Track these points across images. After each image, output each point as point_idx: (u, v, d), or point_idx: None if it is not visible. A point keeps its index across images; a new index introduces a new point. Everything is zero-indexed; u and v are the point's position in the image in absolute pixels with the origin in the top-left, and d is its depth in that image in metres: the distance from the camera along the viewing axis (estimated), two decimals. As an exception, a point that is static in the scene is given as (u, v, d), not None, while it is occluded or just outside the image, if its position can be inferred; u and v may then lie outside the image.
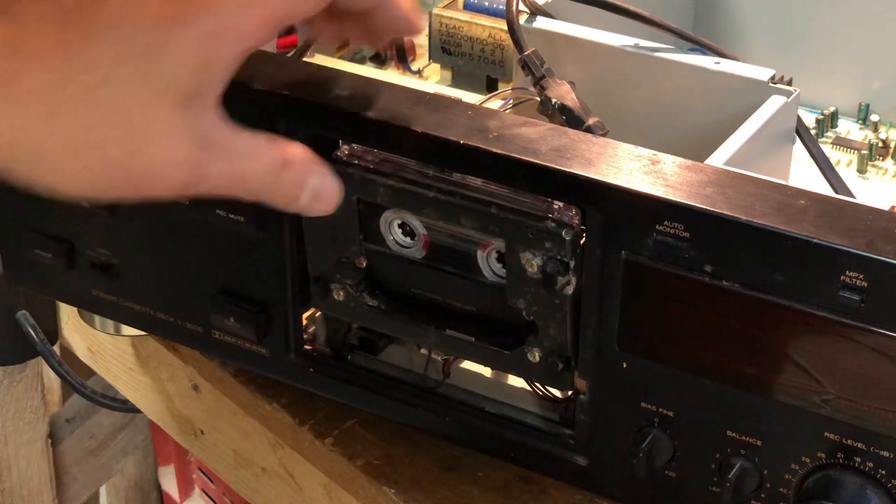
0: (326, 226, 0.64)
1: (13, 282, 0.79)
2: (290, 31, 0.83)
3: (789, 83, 0.70)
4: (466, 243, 0.62)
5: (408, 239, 0.64)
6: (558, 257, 0.59)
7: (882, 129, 0.84)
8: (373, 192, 0.62)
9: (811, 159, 0.71)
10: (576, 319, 0.60)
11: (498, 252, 0.62)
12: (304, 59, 0.79)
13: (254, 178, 0.54)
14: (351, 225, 0.63)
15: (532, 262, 0.59)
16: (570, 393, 0.64)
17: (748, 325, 0.56)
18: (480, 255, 0.62)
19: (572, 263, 0.59)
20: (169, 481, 1.40)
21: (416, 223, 0.63)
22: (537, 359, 0.62)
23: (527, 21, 0.74)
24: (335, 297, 0.66)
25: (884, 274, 0.52)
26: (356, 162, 0.62)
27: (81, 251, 0.74)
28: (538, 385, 0.66)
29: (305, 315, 0.70)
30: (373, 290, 0.65)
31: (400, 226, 0.64)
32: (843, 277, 0.53)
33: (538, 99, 0.70)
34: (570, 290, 0.59)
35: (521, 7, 0.78)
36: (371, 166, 0.62)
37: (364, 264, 0.65)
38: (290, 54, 0.80)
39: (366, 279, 0.65)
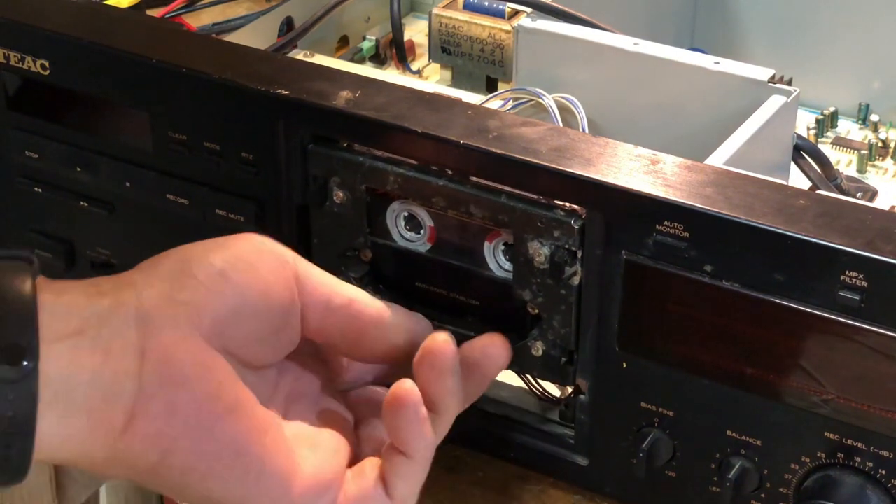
0: (334, 218, 0.64)
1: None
2: (289, 25, 0.84)
3: (789, 83, 0.70)
4: (473, 235, 0.62)
5: (412, 233, 0.64)
6: (566, 246, 0.59)
7: (882, 129, 0.84)
8: (382, 180, 0.62)
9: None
10: (580, 311, 0.60)
11: (505, 244, 0.62)
12: (304, 59, 0.79)
13: None
14: (358, 217, 0.63)
15: (540, 252, 0.59)
16: (569, 391, 0.64)
17: (748, 325, 0.56)
18: (487, 246, 0.62)
19: (580, 253, 0.59)
20: (169, 481, 1.39)
21: (423, 214, 0.63)
22: (540, 353, 0.62)
23: (528, 21, 0.74)
24: None
25: (884, 274, 0.52)
26: (366, 150, 0.62)
27: (81, 251, 0.74)
28: (536, 386, 0.66)
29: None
30: (377, 283, 0.65)
31: (406, 219, 0.64)
32: (843, 277, 0.53)
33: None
34: (576, 280, 0.59)
35: (524, 7, 0.78)
36: (381, 154, 0.62)
37: (369, 257, 0.65)
38: (277, 46, 0.80)
39: (370, 273, 0.65)
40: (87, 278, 0.53)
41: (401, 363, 0.59)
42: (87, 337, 0.50)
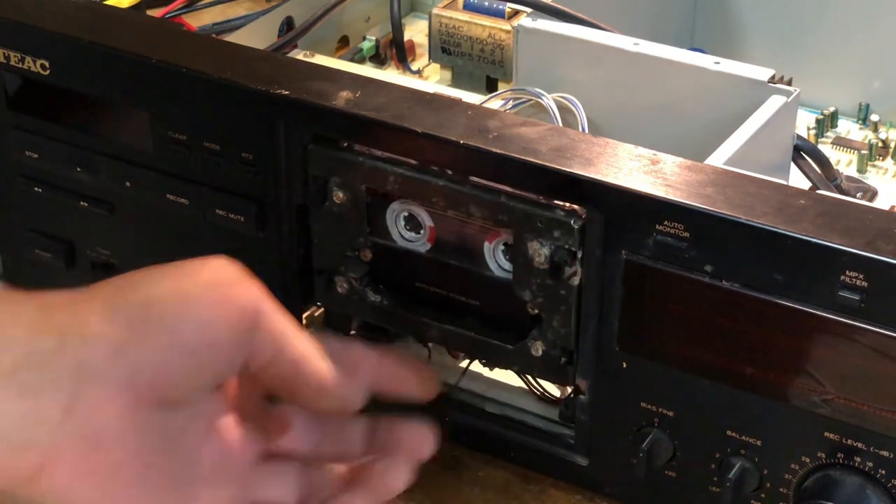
0: (334, 218, 0.64)
1: (13, 282, 0.79)
2: (289, 25, 0.84)
3: (789, 83, 0.70)
4: (473, 235, 0.62)
5: (412, 233, 0.64)
6: (566, 247, 0.59)
7: (882, 129, 0.84)
8: (383, 180, 0.62)
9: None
10: (580, 312, 0.60)
11: (505, 244, 0.62)
12: (304, 59, 0.79)
13: None
14: (359, 217, 0.64)
15: (540, 252, 0.59)
16: (569, 391, 0.64)
17: (748, 325, 0.56)
18: (487, 247, 0.62)
19: (580, 254, 0.59)
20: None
21: (422, 214, 0.63)
22: (540, 353, 0.62)
23: (529, 21, 0.74)
24: (338, 290, 0.66)
25: (884, 274, 0.52)
26: (366, 150, 0.62)
27: (81, 251, 0.74)
28: (535, 386, 0.66)
29: (304, 316, 0.70)
30: (376, 284, 0.65)
31: (406, 219, 0.64)
32: (843, 277, 0.53)
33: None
34: (576, 280, 0.59)
35: (524, 7, 0.78)
36: (381, 155, 0.62)
37: (369, 258, 0.65)
38: (277, 46, 0.80)
39: (370, 273, 0.65)
40: (72, 288, 0.52)
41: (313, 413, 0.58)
42: (16, 380, 0.48)
